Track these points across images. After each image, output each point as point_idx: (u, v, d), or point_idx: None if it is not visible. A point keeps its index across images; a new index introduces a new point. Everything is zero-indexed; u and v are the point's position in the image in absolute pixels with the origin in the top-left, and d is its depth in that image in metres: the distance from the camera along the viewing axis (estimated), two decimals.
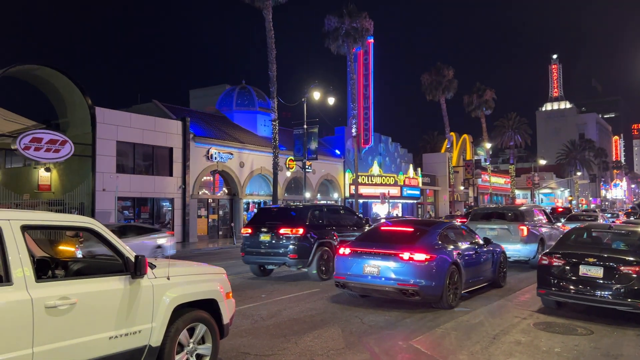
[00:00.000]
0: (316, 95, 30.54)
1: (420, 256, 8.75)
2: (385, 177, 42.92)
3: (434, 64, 52.83)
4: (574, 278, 8.31)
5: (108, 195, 23.47)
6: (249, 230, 13.46)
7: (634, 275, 7.76)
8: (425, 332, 7.54)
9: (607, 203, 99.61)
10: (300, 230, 12.65)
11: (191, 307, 5.28)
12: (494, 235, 14.93)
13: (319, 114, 39.15)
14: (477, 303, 9.71)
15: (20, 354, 3.83)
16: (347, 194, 39.77)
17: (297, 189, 35.36)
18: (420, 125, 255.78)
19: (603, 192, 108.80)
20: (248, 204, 33.76)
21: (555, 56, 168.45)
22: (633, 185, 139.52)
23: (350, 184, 39.34)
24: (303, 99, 30.27)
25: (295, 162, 32.98)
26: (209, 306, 5.52)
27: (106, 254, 5.03)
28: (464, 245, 10.20)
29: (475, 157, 60.91)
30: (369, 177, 41.39)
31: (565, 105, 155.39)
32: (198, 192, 29.09)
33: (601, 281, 8.03)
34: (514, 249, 14.97)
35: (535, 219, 16.53)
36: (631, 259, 8.02)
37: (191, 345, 5.26)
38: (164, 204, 27.41)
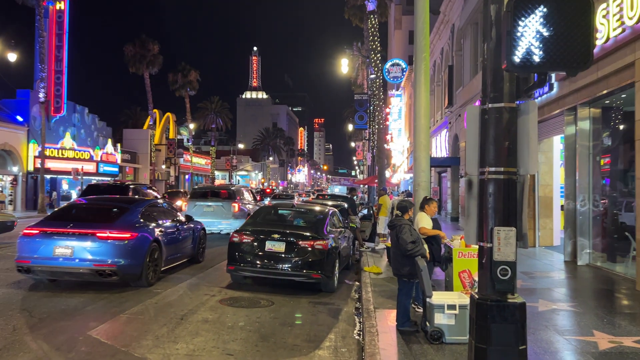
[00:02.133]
0: None
1: (119, 235, 8.45)
2: (80, 151, 38.88)
3: (139, 35, 50.23)
4: (260, 253, 8.86)
5: None
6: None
7: (309, 249, 8.70)
8: (109, 319, 6.89)
9: (292, 185, 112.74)
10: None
11: None
12: (210, 211, 16.92)
13: None
14: (170, 283, 9.45)
15: None
16: (32, 168, 34.59)
17: None
18: (122, 99, 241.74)
19: (289, 176, 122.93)
20: None
21: (255, 49, 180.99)
22: (312, 171, 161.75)
23: (35, 157, 34.29)
24: None
25: None
26: None
27: None
28: (166, 223, 10.17)
29: (179, 137, 60.65)
30: (60, 151, 36.81)
31: (263, 95, 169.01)
32: None
33: (283, 255, 8.76)
34: (227, 224, 16.93)
35: (243, 197, 19.04)
36: (308, 234, 9.00)
37: None
38: None
